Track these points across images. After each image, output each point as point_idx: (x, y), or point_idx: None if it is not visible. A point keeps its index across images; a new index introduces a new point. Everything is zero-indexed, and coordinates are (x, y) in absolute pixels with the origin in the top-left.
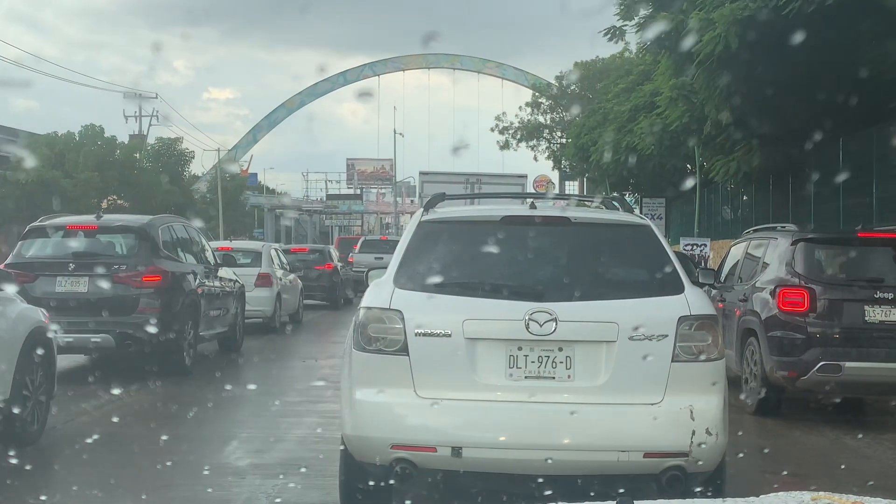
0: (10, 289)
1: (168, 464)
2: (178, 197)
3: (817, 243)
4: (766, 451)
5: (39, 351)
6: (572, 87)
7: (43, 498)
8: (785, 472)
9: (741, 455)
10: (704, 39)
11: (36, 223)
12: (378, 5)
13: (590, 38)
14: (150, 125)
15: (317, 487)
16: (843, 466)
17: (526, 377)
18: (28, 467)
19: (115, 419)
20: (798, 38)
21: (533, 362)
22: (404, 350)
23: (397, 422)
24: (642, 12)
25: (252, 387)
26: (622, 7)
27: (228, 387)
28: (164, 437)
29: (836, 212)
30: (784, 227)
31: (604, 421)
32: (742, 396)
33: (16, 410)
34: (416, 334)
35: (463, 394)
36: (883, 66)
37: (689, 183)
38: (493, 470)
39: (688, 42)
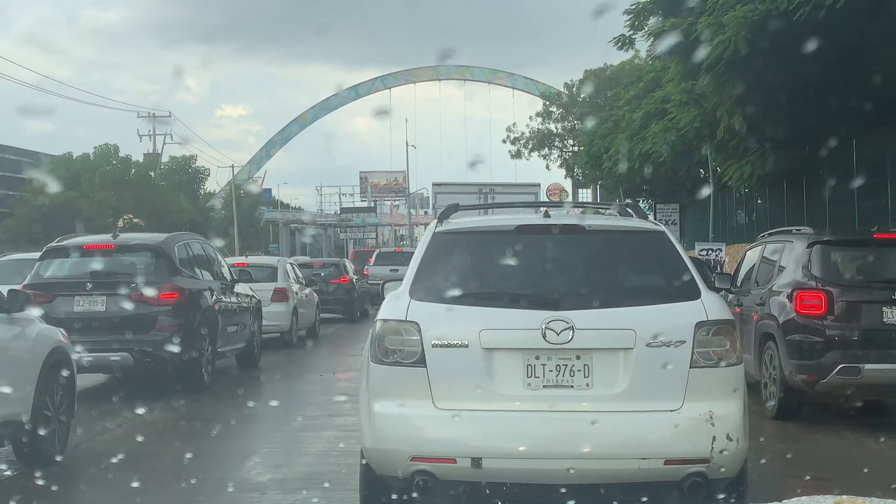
0: (29, 310)
1: (193, 481)
2: (193, 214)
3: (833, 245)
4: (787, 455)
5: (59, 371)
6: (583, 97)
7: None
8: (807, 477)
9: (763, 460)
10: (714, 43)
11: (53, 244)
12: (388, 19)
13: (599, 46)
14: (164, 143)
15: (338, 501)
16: (865, 469)
17: (544, 386)
18: (54, 488)
19: (137, 437)
20: (809, 42)
21: (551, 371)
22: (422, 362)
23: (416, 434)
24: (652, 20)
25: (271, 402)
26: (631, 17)
27: (249, 403)
28: (185, 454)
29: (852, 214)
30: (800, 229)
31: (624, 429)
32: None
33: (38, 431)
34: (433, 345)
35: (481, 404)
36: (894, 68)
37: (705, 191)
38: (513, 480)
39: (700, 53)
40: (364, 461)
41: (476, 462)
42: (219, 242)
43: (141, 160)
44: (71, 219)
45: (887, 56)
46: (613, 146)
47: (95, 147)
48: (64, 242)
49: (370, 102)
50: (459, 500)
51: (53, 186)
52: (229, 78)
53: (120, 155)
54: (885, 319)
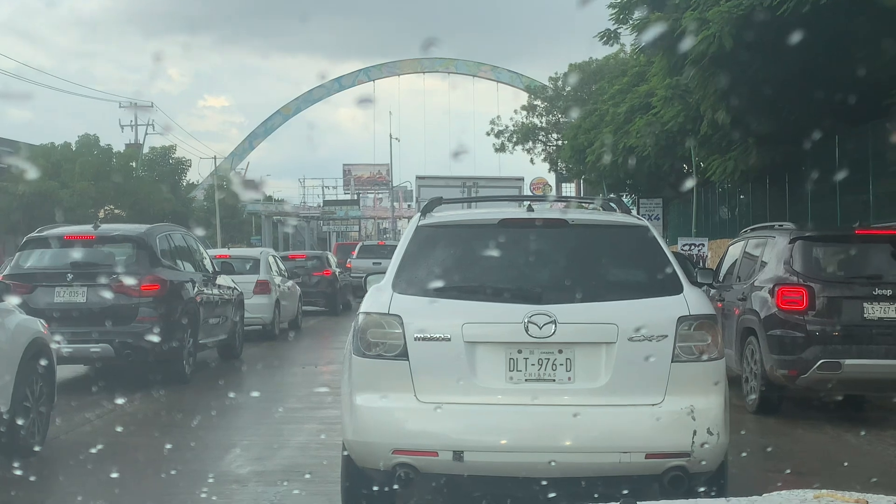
0: (9, 300)
1: (173, 472)
2: (175, 205)
3: (815, 241)
4: (767, 449)
5: (39, 362)
6: (568, 90)
7: None
8: (787, 471)
9: (743, 454)
10: (699, 38)
11: (33, 234)
12: (372, 11)
13: (584, 40)
14: (146, 134)
15: (319, 494)
16: (845, 464)
17: (526, 380)
18: (32, 478)
19: (117, 428)
20: (793, 37)
21: (533, 365)
22: (404, 355)
23: (398, 427)
24: (637, 14)
25: (253, 394)
26: (616, 10)
27: (230, 394)
28: (167, 446)
29: (834, 209)
30: (782, 225)
31: (605, 422)
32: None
33: (17, 421)
34: (415, 339)
35: (463, 398)
36: (878, 64)
37: (688, 184)
38: (494, 473)
39: (685, 44)
40: (346, 453)
41: (458, 455)
42: (200, 231)
43: (122, 150)
44: (51, 208)
45: (871, 52)
46: (597, 140)
47: (78, 136)
48: (44, 233)
49: (354, 95)
50: (440, 493)
51: (32, 173)
52: (211, 69)
53: (101, 145)
54: (865, 315)
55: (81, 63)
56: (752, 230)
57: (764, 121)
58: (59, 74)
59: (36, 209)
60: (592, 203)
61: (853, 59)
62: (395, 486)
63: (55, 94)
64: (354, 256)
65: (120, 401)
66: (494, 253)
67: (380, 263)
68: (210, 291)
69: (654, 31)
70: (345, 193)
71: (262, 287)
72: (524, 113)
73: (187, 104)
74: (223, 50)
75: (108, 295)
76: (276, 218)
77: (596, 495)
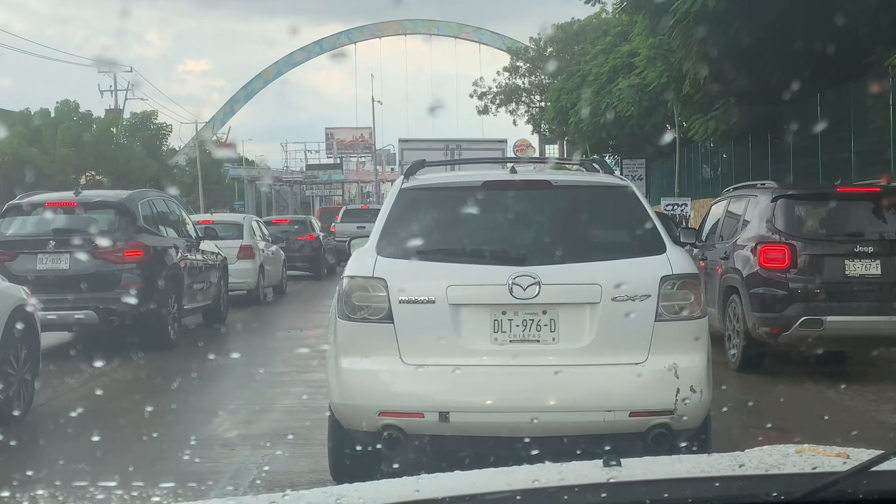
0: None
1: (155, 435)
2: (156, 171)
3: (797, 199)
4: (750, 405)
5: (23, 329)
6: (550, 50)
7: (29, 473)
8: (769, 426)
9: (725, 410)
10: None
11: (14, 201)
12: None
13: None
14: (125, 99)
15: (306, 456)
16: (826, 418)
17: (511, 341)
18: (13, 443)
19: (99, 392)
20: None
21: (517, 326)
22: (389, 318)
23: (384, 389)
24: None
25: (239, 357)
26: None
27: (213, 357)
28: (151, 410)
29: (816, 167)
30: (764, 184)
31: (589, 382)
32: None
33: (0, 388)
34: (400, 301)
35: (448, 359)
36: (859, 21)
37: (668, 137)
38: (480, 433)
39: None
40: (332, 416)
41: (443, 416)
42: (173, 191)
43: (102, 116)
44: (32, 175)
45: (851, 9)
46: (580, 101)
47: (57, 102)
48: (25, 200)
49: (332, 53)
50: (424, 453)
51: (1, 133)
52: (191, 32)
53: (80, 111)
54: (847, 272)
55: (58, 28)
56: (735, 189)
57: (745, 78)
58: (35, 40)
59: (15, 176)
60: (575, 164)
61: (835, 13)
62: (378, 446)
63: (32, 60)
64: (338, 220)
65: (105, 368)
66: (478, 215)
67: (364, 227)
68: (194, 257)
69: None
70: (328, 157)
71: (246, 252)
72: (507, 74)
73: (167, 69)
74: (202, 14)
75: (90, 261)
76: (259, 183)
77: (578, 452)
